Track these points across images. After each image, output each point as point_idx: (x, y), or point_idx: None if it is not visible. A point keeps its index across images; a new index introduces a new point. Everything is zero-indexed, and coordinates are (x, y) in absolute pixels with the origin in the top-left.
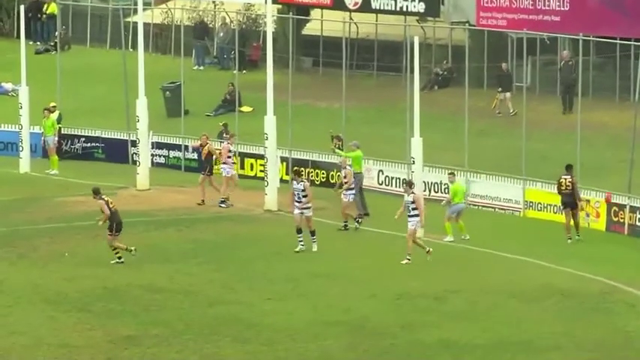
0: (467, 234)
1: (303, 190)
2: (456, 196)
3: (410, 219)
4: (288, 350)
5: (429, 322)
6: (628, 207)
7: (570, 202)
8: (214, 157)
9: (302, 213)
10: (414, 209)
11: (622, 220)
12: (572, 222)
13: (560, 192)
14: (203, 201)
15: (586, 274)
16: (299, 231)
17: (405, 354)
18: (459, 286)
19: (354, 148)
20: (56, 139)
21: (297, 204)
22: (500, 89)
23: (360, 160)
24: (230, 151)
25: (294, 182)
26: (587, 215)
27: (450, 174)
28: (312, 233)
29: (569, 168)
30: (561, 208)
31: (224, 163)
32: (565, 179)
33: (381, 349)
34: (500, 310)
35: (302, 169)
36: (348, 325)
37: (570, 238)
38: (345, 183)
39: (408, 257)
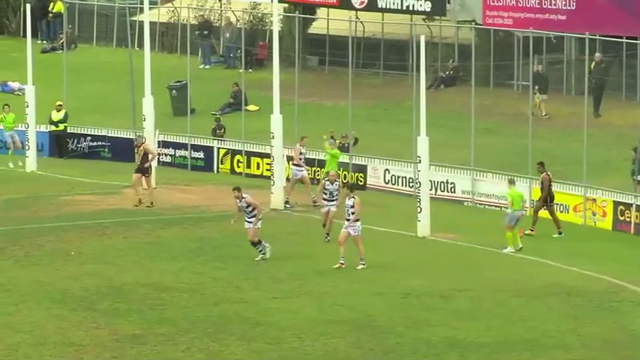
0: (520, 244)
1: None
2: (514, 203)
3: (352, 224)
4: (293, 349)
5: (434, 320)
6: (634, 206)
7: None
8: (150, 156)
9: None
10: (352, 213)
11: (628, 219)
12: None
13: (547, 188)
14: (140, 200)
15: (592, 272)
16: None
17: (411, 352)
18: (465, 285)
19: (333, 146)
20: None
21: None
22: (537, 92)
23: (337, 160)
24: (301, 153)
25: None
26: (594, 214)
27: (509, 180)
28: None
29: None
30: (548, 204)
31: (295, 164)
32: (549, 175)
33: (386, 348)
34: (505, 308)
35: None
36: (353, 323)
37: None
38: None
39: (362, 262)
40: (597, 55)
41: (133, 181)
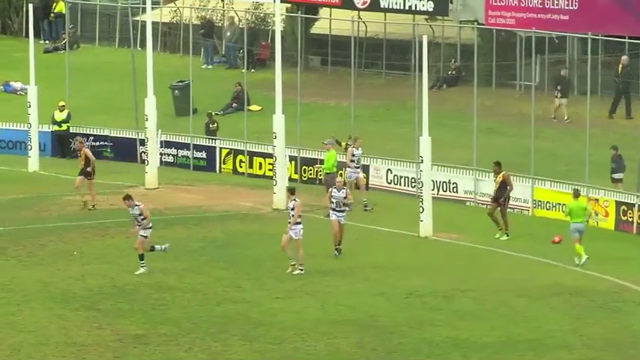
0: (585, 255)
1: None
2: (573, 215)
3: (293, 227)
4: (296, 349)
5: (437, 320)
6: (637, 206)
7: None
8: (92, 160)
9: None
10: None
11: (631, 219)
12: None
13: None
14: (85, 203)
15: (594, 272)
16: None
17: (414, 352)
18: (468, 285)
19: (329, 147)
20: None
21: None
22: (558, 95)
23: (331, 160)
24: (354, 155)
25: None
26: (597, 214)
27: (574, 192)
28: None
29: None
30: (502, 203)
31: (348, 167)
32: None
33: (389, 348)
34: (508, 308)
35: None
36: (356, 323)
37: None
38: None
39: (300, 267)
40: (624, 57)
41: (76, 184)
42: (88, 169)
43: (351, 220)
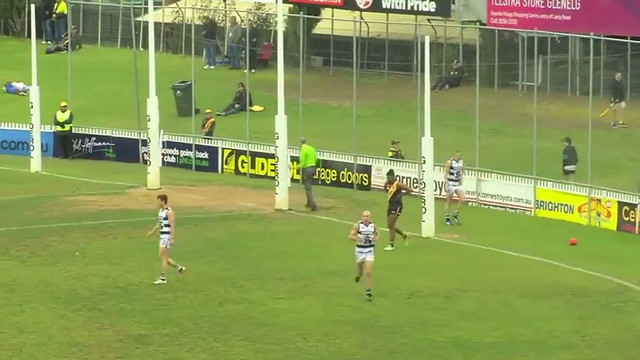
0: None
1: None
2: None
3: (162, 236)
4: (298, 349)
5: (439, 320)
6: (639, 206)
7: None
8: None
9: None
10: (166, 225)
11: (633, 220)
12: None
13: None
14: None
15: (596, 273)
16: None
17: (416, 353)
18: (470, 285)
19: (301, 143)
20: None
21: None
22: (615, 99)
23: (312, 155)
24: (452, 167)
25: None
26: (598, 215)
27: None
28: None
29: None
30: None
31: (449, 179)
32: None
33: (391, 348)
34: (510, 308)
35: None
36: (358, 323)
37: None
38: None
39: (162, 277)
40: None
41: None
42: None
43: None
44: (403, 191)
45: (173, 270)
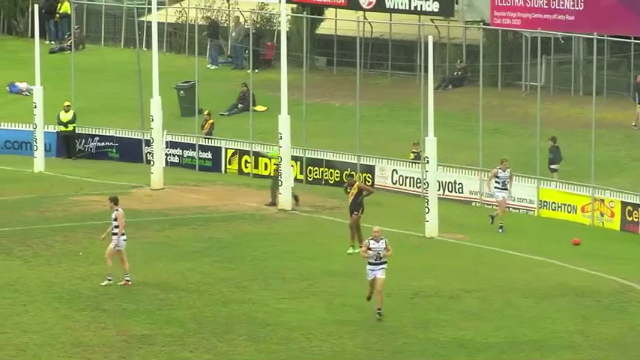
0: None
1: (115, 219)
2: None
3: (112, 237)
4: (302, 349)
5: (443, 320)
6: None
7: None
8: None
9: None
10: (116, 227)
11: (636, 220)
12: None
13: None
14: None
15: (600, 273)
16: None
17: (419, 353)
18: (473, 285)
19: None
20: None
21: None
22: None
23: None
24: (498, 176)
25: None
26: (602, 215)
27: None
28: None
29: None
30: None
31: (495, 187)
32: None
33: (395, 348)
34: (514, 308)
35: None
36: (362, 323)
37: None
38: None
39: (108, 278)
40: None
41: None
42: None
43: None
44: (365, 192)
45: (107, 274)
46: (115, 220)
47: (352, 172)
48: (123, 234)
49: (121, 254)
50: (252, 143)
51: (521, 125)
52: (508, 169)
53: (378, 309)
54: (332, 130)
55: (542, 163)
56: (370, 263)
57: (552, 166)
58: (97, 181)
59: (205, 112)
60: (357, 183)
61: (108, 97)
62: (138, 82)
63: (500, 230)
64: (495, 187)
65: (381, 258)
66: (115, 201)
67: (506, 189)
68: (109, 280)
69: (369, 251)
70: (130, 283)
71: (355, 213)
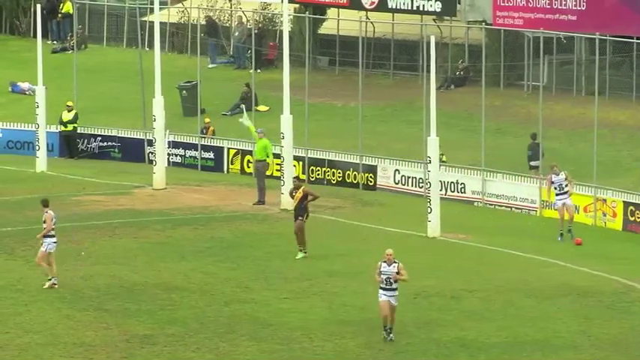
0: None
1: (44, 222)
2: None
3: (45, 239)
4: (304, 349)
5: (445, 320)
6: None
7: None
8: None
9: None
10: (52, 229)
11: (638, 220)
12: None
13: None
14: None
15: (602, 273)
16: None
17: (421, 353)
18: (476, 285)
19: (262, 136)
20: None
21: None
22: None
23: (268, 149)
24: (553, 182)
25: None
26: (604, 215)
27: None
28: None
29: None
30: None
31: (556, 194)
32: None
33: (397, 348)
34: (516, 308)
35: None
36: (364, 323)
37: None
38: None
39: (51, 280)
40: None
41: None
42: None
43: (360, 220)
44: (310, 197)
45: (45, 276)
46: (44, 222)
47: (298, 175)
48: (53, 236)
49: (50, 257)
50: (254, 143)
51: (524, 125)
52: (562, 172)
53: (388, 327)
54: (334, 130)
55: (545, 163)
56: (382, 288)
57: (532, 163)
58: (100, 181)
59: (206, 120)
60: (302, 187)
61: (110, 97)
62: (140, 82)
63: (560, 239)
64: (556, 194)
65: (391, 283)
66: (44, 203)
67: (565, 192)
68: (51, 280)
69: (381, 275)
70: (56, 286)
71: (300, 218)
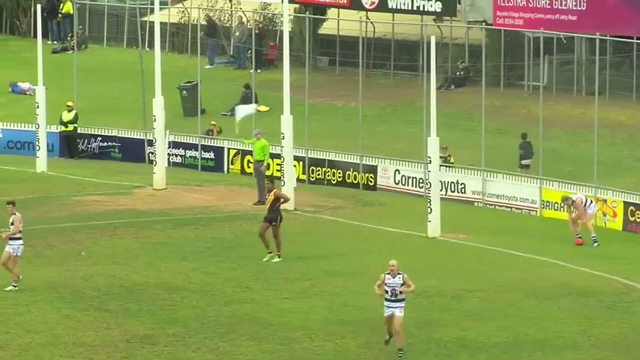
0: None
1: (12, 224)
2: None
3: (10, 242)
4: (304, 349)
5: (445, 320)
6: None
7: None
8: None
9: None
10: (19, 232)
11: (639, 220)
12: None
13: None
14: None
15: (603, 273)
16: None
17: (422, 353)
18: (476, 285)
19: (259, 136)
20: None
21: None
22: None
23: (266, 149)
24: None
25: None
26: (604, 215)
27: None
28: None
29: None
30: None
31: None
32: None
33: (397, 348)
34: (516, 309)
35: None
36: (364, 324)
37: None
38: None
39: (14, 284)
40: None
41: None
42: None
43: (360, 220)
44: (282, 200)
45: (12, 278)
46: (12, 224)
47: (272, 179)
48: (19, 238)
49: (16, 260)
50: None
51: (524, 125)
52: (591, 201)
53: (400, 349)
54: (334, 130)
55: (545, 163)
56: (387, 299)
57: (523, 162)
58: (100, 181)
59: (212, 123)
60: (274, 190)
61: (110, 97)
62: (140, 82)
63: (596, 244)
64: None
65: (397, 295)
66: (11, 204)
67: (592, 202)
68: (14, 285)
69: (385, 287)
70: (16, 288)
71: (273, 223)
